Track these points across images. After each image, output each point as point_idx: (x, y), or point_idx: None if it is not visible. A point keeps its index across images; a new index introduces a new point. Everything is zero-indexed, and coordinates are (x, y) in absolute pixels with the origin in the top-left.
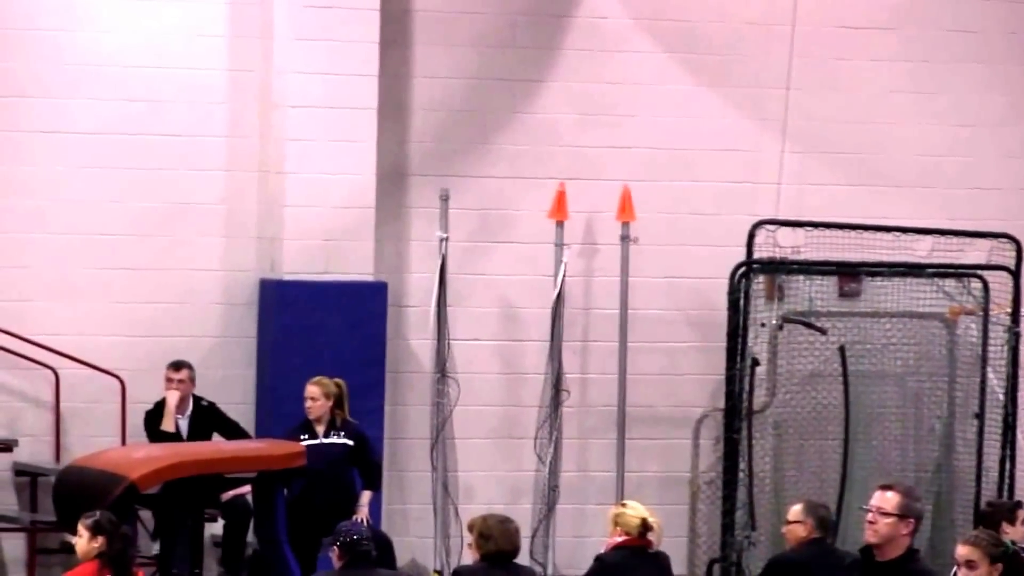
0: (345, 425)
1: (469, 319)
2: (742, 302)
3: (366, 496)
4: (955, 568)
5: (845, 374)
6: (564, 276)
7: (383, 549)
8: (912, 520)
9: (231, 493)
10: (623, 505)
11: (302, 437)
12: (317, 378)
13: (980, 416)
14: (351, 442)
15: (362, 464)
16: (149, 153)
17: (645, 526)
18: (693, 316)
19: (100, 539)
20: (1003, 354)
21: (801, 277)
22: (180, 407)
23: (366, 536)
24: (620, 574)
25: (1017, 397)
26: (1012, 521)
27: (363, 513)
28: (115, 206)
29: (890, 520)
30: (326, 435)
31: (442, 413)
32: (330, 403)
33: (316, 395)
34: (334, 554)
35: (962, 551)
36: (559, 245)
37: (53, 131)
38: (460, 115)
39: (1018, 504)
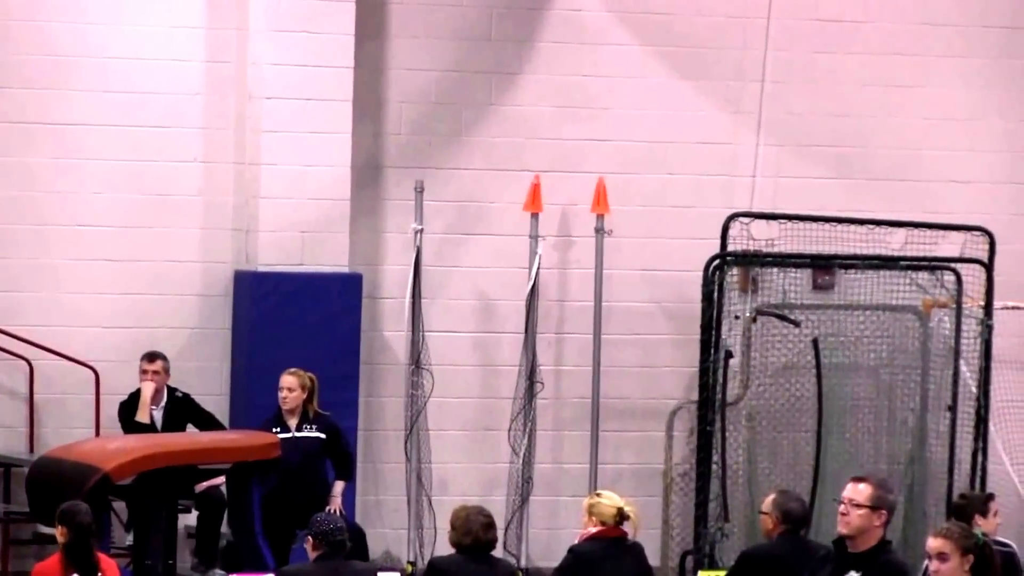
0: (318, 418)
1: (444, 311)
2: (716, 294)
3: (339, 486)
4: (927, 560)
5: (818, 366)
6: (539, 268)
7: (356, 541)
8: (884, 512)
9: (205, 484)
10: (597, 495)
11: (275, 430)
12: (292, 369)
13: (953, 409)
14: (323, 435)
15: (335, 455)
16: (125, 144)
17: (621, 515)
18: (667, 308)
19: (62, 528)
20: (976, 347)
21: (775, 269)
22: (155, 398)
23: (340, 528)
24: (594, 565)
25: (990, 390)
26: (985, 513)
27: (336, 503)
28: (91, 197)
29: (862, 512)
30: (299, 428)
31: (416, 405)
32: (304, 395)
33: (292, 385)
34: (308, 545)
35: (933, 543)
36: (534, 237)
37: (30, 122)
38: (436, 107)
39: (991, 496)
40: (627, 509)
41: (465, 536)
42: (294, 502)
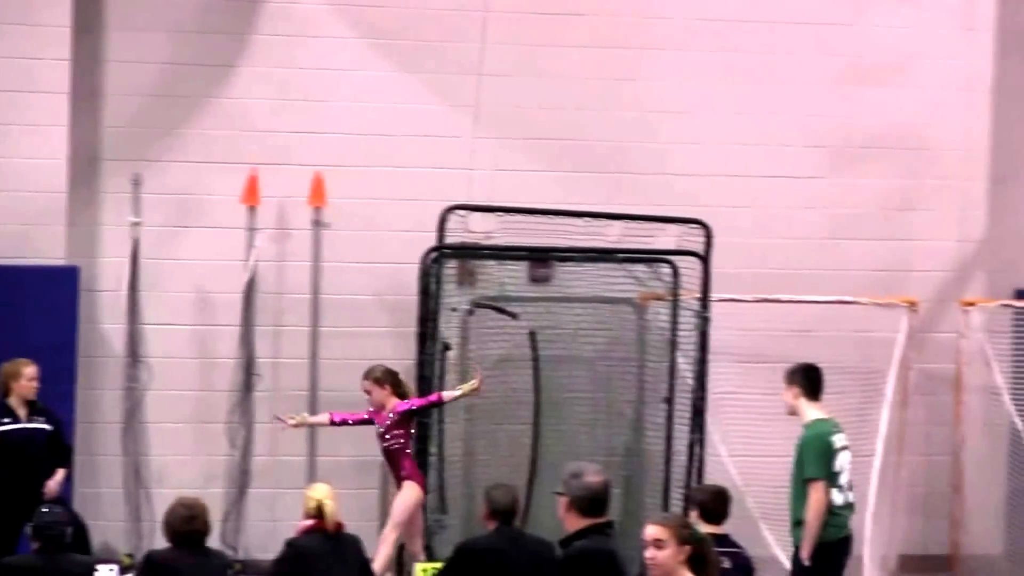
0: (45, 410)
1: (162, 304)
2: (434, 287)
3: (61, 473)
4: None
5: (535, 359)
6: (256, 261)
7: (79, 533)
8: (565, 498)
9: None
10: (310, 488)
11: (4, 420)
12: (28, 360)
13: (670, 400)
14: (50, 427)
15: (59, 447)
16: None
17: (319, 508)
18: (386, 301)
19: None
20: (692, 339)
21: (492, 262)
22: None
23: (59, 521)
24: (311, 558)
25: (706, 382)
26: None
27: (52, 488)
28: None
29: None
30: (29, 419)
31: (134, 397)
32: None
33: (37, 375)
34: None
35: (650, 530)
36: (251, 230)
37: None
38: (153, 100)
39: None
40: (325, 502)
41: (166, 528)
42: (24, 493)
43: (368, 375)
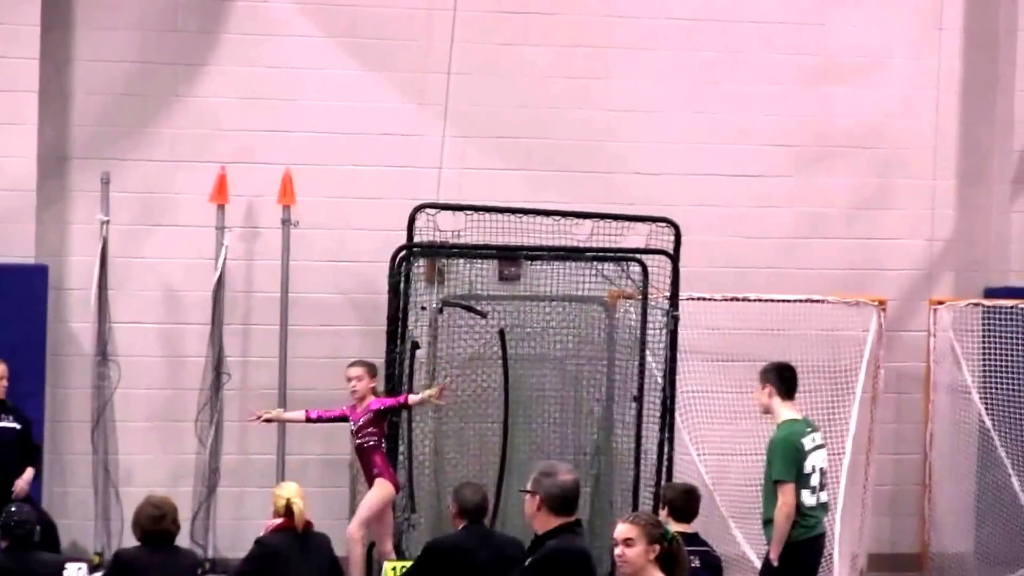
0: (13, 408)
1: (131, 302)
2: (403, 285)
3: (30, 472)
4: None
5: (505, 357)
6: (225, 259)
7: (47, 532)
8: (536, 496)
9: None
10: (279, 486)
11: None
12: None
13: (639, 399)
14: (19, 426)
15: (27, 446)
16: None
17: (288, 507)
18: (355, 299)
19: None
20: (662, 337)
21: (461, 261)
22: None
23: (27, 520)
24: (279, 556)
25: (675, 380)
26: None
27: (21, 487)
28: None
29: (526, 497)
30: None
31: (103, 396)
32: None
33: (6, 373)
34: None
35: (621, 529)
36: (220, 228)
37: None
38: (122, 99)
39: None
40: (294, 501)
41: (135, 528)
42: None
43: (361, 362)
